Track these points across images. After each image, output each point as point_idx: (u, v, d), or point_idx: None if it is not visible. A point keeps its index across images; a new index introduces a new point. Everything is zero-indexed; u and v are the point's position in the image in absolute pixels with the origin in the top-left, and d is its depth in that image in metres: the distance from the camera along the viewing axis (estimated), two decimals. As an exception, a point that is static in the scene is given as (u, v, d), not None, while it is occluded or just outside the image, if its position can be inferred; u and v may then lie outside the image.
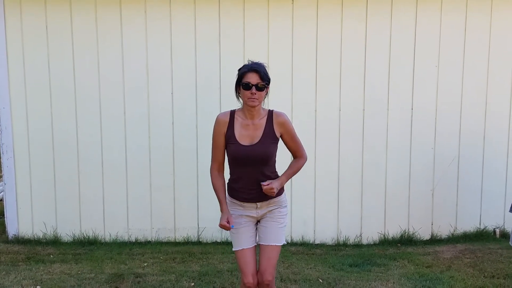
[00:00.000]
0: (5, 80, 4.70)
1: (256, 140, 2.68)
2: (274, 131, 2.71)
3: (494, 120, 4.91)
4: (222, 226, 2.68)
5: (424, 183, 4.93)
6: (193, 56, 4.70)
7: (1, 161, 4.83)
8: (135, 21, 4.66)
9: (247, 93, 2.61)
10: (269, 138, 2.70)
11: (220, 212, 2.82)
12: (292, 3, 4.66)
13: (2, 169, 4.84)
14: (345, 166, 4.85)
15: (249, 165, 2.68)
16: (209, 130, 4.62)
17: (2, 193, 5.75)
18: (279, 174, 2.80)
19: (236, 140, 2.69)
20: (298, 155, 2.83)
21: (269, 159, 2.72)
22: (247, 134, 2.70)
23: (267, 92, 2.71)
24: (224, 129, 2.72)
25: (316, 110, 4.78)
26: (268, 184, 2.65)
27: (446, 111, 4.85)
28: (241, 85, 2.65)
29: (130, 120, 4.77)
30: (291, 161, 2.85)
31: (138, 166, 4.82)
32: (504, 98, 4.89)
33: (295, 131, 2.80)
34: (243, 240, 2.79)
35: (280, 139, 2.77)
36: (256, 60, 2.74)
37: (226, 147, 2.75)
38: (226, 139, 2.72)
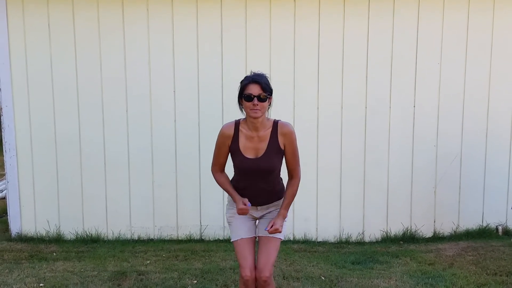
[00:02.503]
0: (8, 79, 4.70)
1: (261, 153, 2.67)
2: (278, 143, 2.68)
3: (496, 118, 4.90)
4: (240, 209, 2.64)
5: (427, 181, 4.92)
6: (195, 54, 4.70)
7: (4, 159, 4.84)
8: (137, 20, 4.66)
9: (249, 104, 2.59)
10: (274, 150, 2.67)
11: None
12: (294, 0, 4.65)
13: (5, 167, 4.84)
14: (347, 163, 4.85)
15: (254, 176, 2.69)
16: (211, 127, 4.69)
17: (5, 191, 5.75)
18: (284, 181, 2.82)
19: (241, 153, 2.68)
20: (293, 174, 2.76)
21: (274, 171, 2.73)
22: (252, 147, 2.68)
23: (270, 103, 2.68)
24: (228, 142, 2.71)
25: (318, 108, 4.77)
26: (272, 227, 2.65)
27: (448, 109, 4.84)
28: (243, 97, 2.62)
29: (132, 117, 4.77)
30: (286, 186, 2.80)
31: (140, 164, 4.83)
32: (507, 95, 4.88)
33: (297, 145, 2.74)
34: (242, 229, 2.79)
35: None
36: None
37: (231, 156, 2.74)
38: (230, 151, 2.73)
